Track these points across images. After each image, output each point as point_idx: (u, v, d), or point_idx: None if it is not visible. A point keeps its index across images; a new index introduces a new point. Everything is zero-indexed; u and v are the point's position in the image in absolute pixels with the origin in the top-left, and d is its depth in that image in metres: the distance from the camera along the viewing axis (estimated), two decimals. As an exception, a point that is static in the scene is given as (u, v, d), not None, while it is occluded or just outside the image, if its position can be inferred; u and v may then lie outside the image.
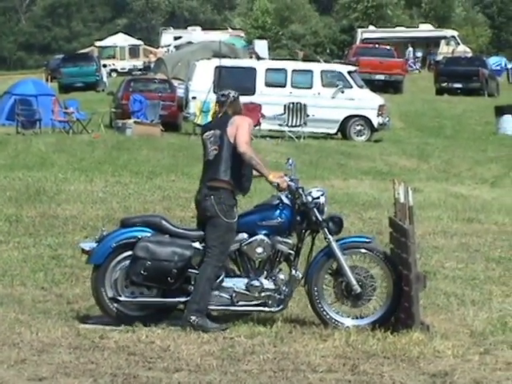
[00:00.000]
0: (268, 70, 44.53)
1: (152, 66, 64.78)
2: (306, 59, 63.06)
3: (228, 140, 12.49)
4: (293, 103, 41.83)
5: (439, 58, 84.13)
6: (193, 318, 12.26)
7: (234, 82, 35.94)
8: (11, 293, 13.86)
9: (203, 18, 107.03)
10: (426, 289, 12.75)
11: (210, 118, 30.46)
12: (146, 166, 30.29)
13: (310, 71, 44.66)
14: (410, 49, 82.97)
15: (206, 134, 12.81)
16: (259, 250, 12.57)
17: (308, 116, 41.80)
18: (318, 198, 12.65)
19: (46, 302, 13.24)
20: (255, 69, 44.35)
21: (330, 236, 12.57)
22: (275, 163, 15.18)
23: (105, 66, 75.10)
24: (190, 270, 12.49)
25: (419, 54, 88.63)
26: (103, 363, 10.76)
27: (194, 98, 41.86)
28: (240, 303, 12.58)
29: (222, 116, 12.86)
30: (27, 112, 44.34)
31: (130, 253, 12.52)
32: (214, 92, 36.15)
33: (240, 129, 12.51)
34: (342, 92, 42.97)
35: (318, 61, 59.02)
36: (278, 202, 12.73)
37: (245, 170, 12.57)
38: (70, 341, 11.58)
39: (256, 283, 12.58)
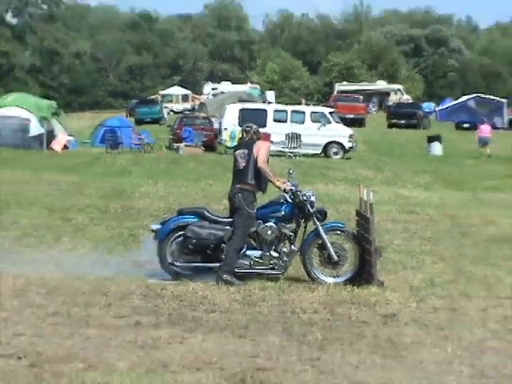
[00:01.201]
0: (275, 110, 44.42)
1: (197, 107, 64.74)
2: (307, 104, 62.76)
3: (253, 156, 12.61)
4: (291, 133, 41.74)
5: (390, 103, 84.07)
6: (224, 276, 12.29)
7: (252, 119, 35.57)
8: (98, 258, 13.86)
9: (232, 75, 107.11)
10: (382, 257, 12.76)
11: (236, 142, 30.31)
12: (192, 174, 30.32)
13: (303, 112, 44.67)
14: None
15: (238, 151, 12.94)
16: (269, 232, 12.63)
17: (301, 142, 41.76)
18: (310, 197, 12.72)
19: (125, 265, 13.21)
20: (266, 110, 44.30)
21: (317, 223, 12.65)
22: (279, 173, 15.14)
23: (165, 107, 75.28)
24: (222, 245, 12.57)
25: (375, 101, 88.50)
26: (163, 306, 10.78)
27: (225, 129, 41.84)
28: (256, 267, 12.62)
29: (248, 140, 12.96)
30: (113, 138, 44.40)
31: (182, 232, 12.62)
32: (239, 125, 36.07)
33: (261, 150, 12.70)
34: (324, 126, 42.89)
35: (308, 105, 59.05)
36: (282, 200, 12.82)
37: (262, 177, 12.69)
38: (141, 291, 11.59)
39: (267, 254, 12.64)
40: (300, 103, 60.79)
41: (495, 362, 8.76)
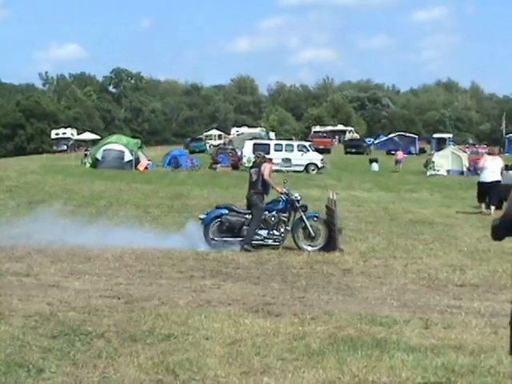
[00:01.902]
0: (275, 144, 44.43)
1: (227, 142, 64.74)
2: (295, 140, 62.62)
3: (261, 173, 12.63)
4: (285, 158, 41.79)
5: (346, 138, 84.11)
6: (245, 246, 12.27)
7: (260, 149, 35.78)
8: (167, 236, 13.43)
9: (248, 122, 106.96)
10: (342, 234, 12.71)
11: (251, 164, 30.38)
12: (224, 184, 30.31)
13: (292, 145, 44.67)
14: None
15: (252, 170, 13.00)
16: (273, 218, 12.59)
17: (291, 163, 41.79)
18: (297, 197, 12.71)
19: (184, 240, 13.14)
20: (269, 144, 44.30)
21: (302, 213, 12.59)
22: (278, 182, 15.04)
23: (208, 143, 75.26)
24: (244, 227, 12.53)
25: (337, 137, 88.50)
26: (207, 265, 10.77)
27: (244, 156, 41.81)
28: (265, 240, 12.58)
29: (258, 162, 13.00)
30: (175, 162, 44.45)
31: (219, 219, 12.58)
32: (253, 153, 36.06)
33: (266, 169, 12.78)
34: (305, 153, 42.96)
35: (294, 139, 59.02)
36: (280, 199, 12.78)
37: (267, 185, 12.67)
38: (194, 256, 11.58)
39: (271, 232, 12.61)
40: (291, 139, 60.63)
41: (412, 298, 8.75)
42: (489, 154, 20.47)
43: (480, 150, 50.72)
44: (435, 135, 73.89)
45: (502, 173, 19.23)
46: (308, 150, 43.60)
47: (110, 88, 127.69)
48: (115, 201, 21.08)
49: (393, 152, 61.53)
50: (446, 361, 6.04)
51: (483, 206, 19.14)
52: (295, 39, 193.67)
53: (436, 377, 5.68)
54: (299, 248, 12.48)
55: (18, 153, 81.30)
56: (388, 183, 33.89)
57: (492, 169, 19.00)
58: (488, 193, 19.02)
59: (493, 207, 18.46)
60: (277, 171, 37.43)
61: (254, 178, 12.75)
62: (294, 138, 74.16)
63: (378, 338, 6.70)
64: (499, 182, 18.84)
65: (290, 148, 43.67)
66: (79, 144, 77.93)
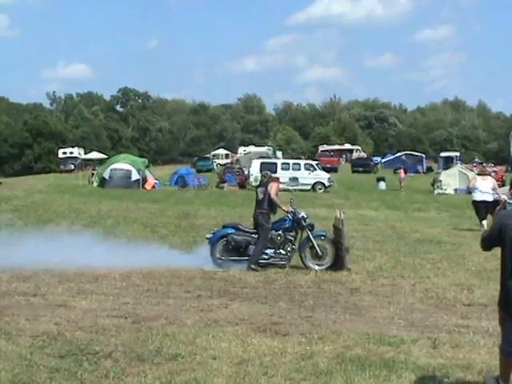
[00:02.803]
0: (282, 163, 44.48)
1: (234, 161, 64.78)
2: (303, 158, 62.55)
3: (268, 192, 12.66)
4: (292, 177, 41.79)
5: (353, 157, 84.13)
6: (252, 265, 12.28)
7: (267, 168, 35.93)
8: (174, 255, 13.54)
9: (255, 141, 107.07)
10: (349, 253, 12.71)
11: (258, 183, 30.36)
12: (231, 203, 30.32)
13: (299, 163, 44.71)
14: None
15: (258, 189, 13.04)
16: (279, 237, 12.62)
17: (298, 182, 41.79)
18: (304, 216, 12.72)
19: (191, 259, 13.11)
20: (276, 163, 44.38)
21: (309, 232, 12.60)
22: (285, 201, 15.00)
23: (215, 162, 75.38)
24: (250, 246, 12.54)
25: (344, 156, 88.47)
26: (214, 285, 10.77)
27: (251, 174, 41.83)
28: (271, 259, 12.58)
29: (265, 181, 13.02)
30: (183, 181, 44.51)
31: (225, 239, 12.60)
32: (260, 172, 36.08)
33: (273, 188, 12.78)
34: (312, 171, 42.99)
35: (302, 158, 59.06)
36: (287, 218, 12.80)
37: (273, 204, 12.68)
38: (201, 275, 11.59)
39: (278, 251, 12.61)
40: (300, 158, 60.69)
41: (420, 317, 8.73)
42: (479, 174, 20.53)
43: (487, 169, 50.65)
44: (442, 154, 73.80)
45: (495, 192, 19.17)
46: (315, 169, 43.63)
47: (118, 107, 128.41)
48: (122, 220, 21.11)
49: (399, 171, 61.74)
50: (455, 380, 6.03)
51: (484, 223, 19.15)
52: (302, 58, 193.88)
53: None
54: (306, 267, 12.46)
55: (25, 172, 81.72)
56: (395, 202, 33.83)
57: (482, 189, 19.05)
58: (483, 211, 19.04)
59: None
60: (284, 190, 37.56)
61: (261, 197, 12.79)
62: (302, 157, 74.31)
63: (385, 358, 6.69)
64: (489, 202, 18.76)
65: (297, 167, 43.70)
66: (86, 163, 78.17)
